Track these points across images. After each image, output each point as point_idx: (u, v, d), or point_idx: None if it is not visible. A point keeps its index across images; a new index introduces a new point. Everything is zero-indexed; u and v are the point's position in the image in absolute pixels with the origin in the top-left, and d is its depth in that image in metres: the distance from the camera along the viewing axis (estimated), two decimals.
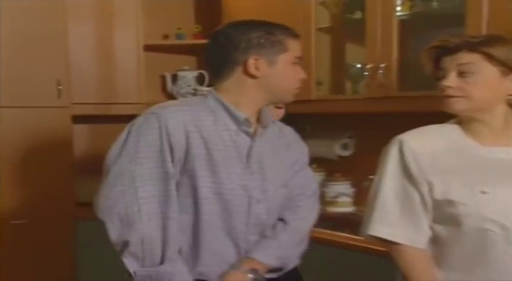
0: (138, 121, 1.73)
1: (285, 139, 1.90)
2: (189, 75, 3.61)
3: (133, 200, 1.66)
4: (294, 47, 1.78)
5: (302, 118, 2.71)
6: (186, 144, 1.69)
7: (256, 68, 1.73)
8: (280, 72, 1.76)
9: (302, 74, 1.81)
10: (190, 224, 1.72)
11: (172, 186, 1.69)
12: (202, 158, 1.70)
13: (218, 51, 1.77)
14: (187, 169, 1.70)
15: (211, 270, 1.73)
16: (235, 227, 1.73)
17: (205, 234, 1.71)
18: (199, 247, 1.72)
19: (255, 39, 1.73)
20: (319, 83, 2.98)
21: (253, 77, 1.74)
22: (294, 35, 1.79)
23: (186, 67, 3.67)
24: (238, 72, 1.75)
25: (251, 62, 1.73)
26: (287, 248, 1.82)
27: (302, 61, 1.83)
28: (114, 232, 1.67)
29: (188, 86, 3.62)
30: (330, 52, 3.10)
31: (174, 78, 3.77)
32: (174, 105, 1.76)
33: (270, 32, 1.75)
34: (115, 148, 1.73)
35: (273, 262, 1.79)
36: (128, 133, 1.72)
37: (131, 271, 1.67)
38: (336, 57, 3.08)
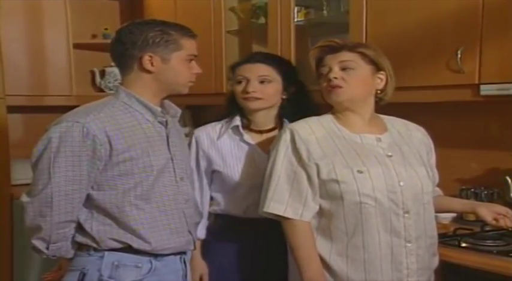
0: (60, 128, 1.73)
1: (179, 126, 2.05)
2: (115, 71, 3.60)
3: (48, 198, 1.72)
4: (188, 46, 1.84)
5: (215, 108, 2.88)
6: (110, 148, 1.74)
7: (151, 64, 1.81)
8: (173, 68, 1.83)
9: (197, 70, 1.88)
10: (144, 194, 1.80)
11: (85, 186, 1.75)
12: (133, 152, 1.77)
13: (119, 48, 1.84)
14: (120, 162, 1.76)
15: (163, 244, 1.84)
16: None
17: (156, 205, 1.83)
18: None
19: (151, 38, 1.80)
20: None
21: (148, 72, 1.82)
22: (189, 35, 1.86)
23: (113, 63, 3.82)
24: (136, 67, 1.83)
25: (146, 58, 1.80)
26: None
27: (197, 58, 1.89)
28: (28, 218, 1.76)
29: (115, 80, 3.69)
30: (238, 52, 3.24)
31: (103, 73, 3.90)
32: (92, 113, 1.76)
33: (165, 32, 1.81)
34: (37, 151, 1.74)
35: None
36: (50, 139, 1.72)
37: (43, 250, 1.77)
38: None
